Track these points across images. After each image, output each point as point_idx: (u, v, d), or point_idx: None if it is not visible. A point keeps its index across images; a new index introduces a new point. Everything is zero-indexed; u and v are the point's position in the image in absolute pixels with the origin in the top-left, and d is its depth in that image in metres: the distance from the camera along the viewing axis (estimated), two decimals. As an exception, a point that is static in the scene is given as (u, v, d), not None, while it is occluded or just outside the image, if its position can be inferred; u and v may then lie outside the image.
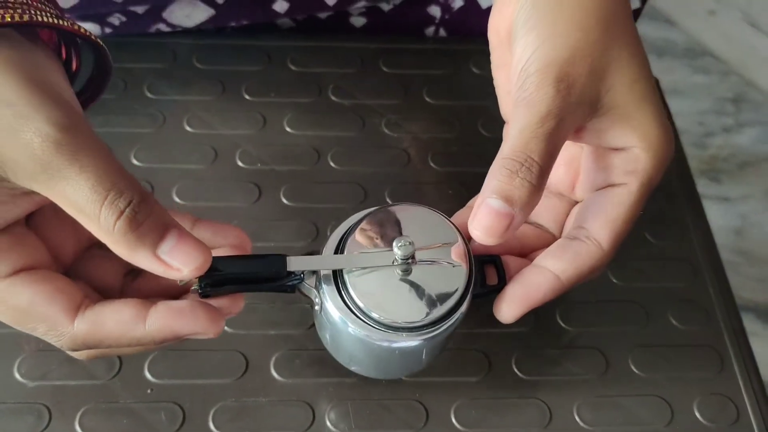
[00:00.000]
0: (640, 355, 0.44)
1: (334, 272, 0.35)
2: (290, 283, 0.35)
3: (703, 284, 0.47)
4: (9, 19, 0.31)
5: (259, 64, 0.56)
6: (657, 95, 0.37)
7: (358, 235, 0.35)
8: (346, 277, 0.34)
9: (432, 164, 0.51)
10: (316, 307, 0.37)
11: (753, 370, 0.44)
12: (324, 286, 0.35)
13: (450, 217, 0.38)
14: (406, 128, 0.53)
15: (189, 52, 0.55)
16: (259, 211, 0.48)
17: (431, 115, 0.54)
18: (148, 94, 0.53)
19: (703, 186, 1.35)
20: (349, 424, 0.40)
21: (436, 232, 0.36)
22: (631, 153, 0.36)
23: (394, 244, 0.34)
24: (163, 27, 0.55)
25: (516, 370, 0.43)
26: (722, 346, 0.45)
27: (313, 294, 0.36)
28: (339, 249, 0.36)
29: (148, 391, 0.40)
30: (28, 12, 0.31)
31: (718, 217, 1.32)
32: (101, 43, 0.35)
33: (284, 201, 0.49)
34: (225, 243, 0.35)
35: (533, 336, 0.44)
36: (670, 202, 0.51)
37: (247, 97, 0.54)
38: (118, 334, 0.33)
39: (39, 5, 0.33)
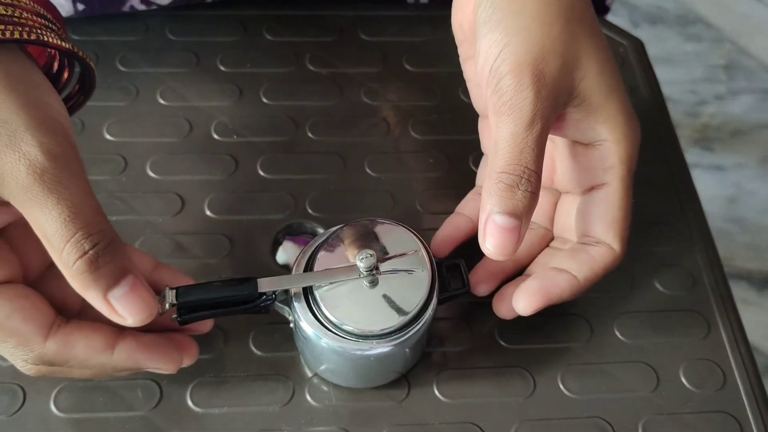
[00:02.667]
0: (625, 322, 0.43)
1: (305, 289, 0.36)
2: (263, 304, 0.37)
3: (689, 249, 0.46)
4: (18, 36, 0.31)
5: (234, 34, 0.54)
6: (621, 84, 0.38)
7: (325, 252, 0.37)
8: (316, 293, 0.36)
9: (412, 133, 0.50)
10: (291, 324, 0.39)
11: (740, 334, 0.43)
12: (296, 303, 0.37)
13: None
14: (385, 97, 0.52)
15: (162, 23, 0.54)
16: (236, 183, 0.47)
17: (411, 82, 0.53)
18: (121, 67, 0.52)
19: (696, 155, 1.34)
20: (329, 396, 0.40)
21: (399, 243, 0.37)
22: (603, 148, 0.37)
23: (357, 257, 0.36)
24: (136, 4, 0.53)
25: (499, 338, 0.42)
26: (709, 311, 0.44)
27: (286, 312, 0.38)
28: (308, 267, 0.37)
29: (124, 368, 0.40)
30: (35, 31, 0.32)
31: (711, 185, 1.31)
32: (93, 65, 0.36)
33: (261, 173, 0.48)
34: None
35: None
36: (656, 168, 0.50)
37: (222, 68, 0.52)
38: (85, 358, 0.34)
39: (44, 21, 0.34)
